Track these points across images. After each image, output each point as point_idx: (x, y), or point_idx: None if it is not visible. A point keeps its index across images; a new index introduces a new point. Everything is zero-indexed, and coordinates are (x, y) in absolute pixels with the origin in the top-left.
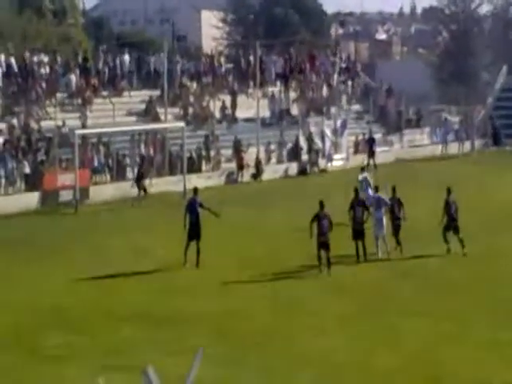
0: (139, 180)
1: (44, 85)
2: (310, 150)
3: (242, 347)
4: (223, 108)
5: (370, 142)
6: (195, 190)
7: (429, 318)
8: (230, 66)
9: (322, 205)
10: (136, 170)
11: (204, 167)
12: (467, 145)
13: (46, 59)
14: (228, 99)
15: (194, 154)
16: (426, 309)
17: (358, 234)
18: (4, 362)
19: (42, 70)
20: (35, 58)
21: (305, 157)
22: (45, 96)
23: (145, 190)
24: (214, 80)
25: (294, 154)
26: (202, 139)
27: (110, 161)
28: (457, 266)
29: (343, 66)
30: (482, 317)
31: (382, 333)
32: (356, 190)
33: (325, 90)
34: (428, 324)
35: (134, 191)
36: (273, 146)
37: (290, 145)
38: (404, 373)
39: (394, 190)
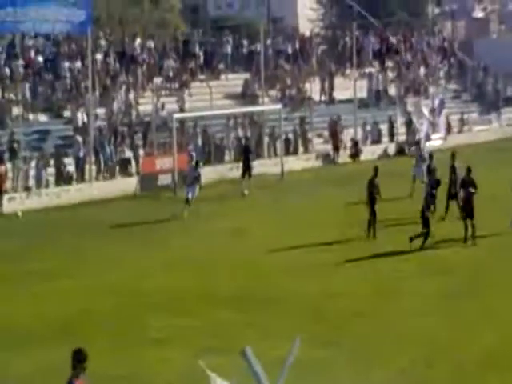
0: (247, 164)
1: (142, 69)
2: (408, 131)
3: (340, 328)
4: (320, 89)
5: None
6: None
7: None
8: (326, 47)
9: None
10: (243, 154)
11: (301, 149)
12: None
13: (144, 44)
14: (325, 81)
15: (291, 136)
16: None
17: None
18: (106, 345)
19: (140, 55)
20: (136, 43)
21: (403, 137)
22: (143, 81)
23: (250, 174)
24: (310, 61)
25: (392, 134)
26: (299, 121)
27: (208, 144)
28: None
29: (440, 45)
30: None
31: (481, 311)
32: (469, 169)
33: (422, 70)
34: None
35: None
36: (369, 127)
37: (387, 125)
38: (504, 350)
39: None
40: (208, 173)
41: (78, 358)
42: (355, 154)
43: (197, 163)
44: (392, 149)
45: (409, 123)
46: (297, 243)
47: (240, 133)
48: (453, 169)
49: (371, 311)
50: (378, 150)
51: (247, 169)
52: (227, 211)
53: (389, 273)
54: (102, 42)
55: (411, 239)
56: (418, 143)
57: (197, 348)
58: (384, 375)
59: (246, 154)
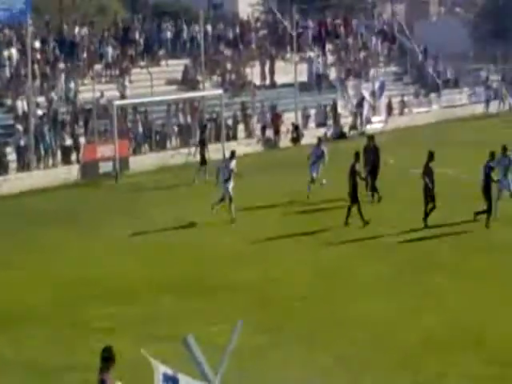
0: (202, 149)
1: (82, 56)
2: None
3: (283, 314)
4: (261, 74)
5: None
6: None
7: (473, 280)
8: (267, 31)
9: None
10: (198, 138)
11: (241, 134)
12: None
13: (83, 31)
14: (265, 65)
15: (231, 121)
16: (469, 270)
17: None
18: (50, 335)
19: (80, 42)
20: (76, 30)
21: (343, 120)
22: (83, 68)
23: (205, 161)
24: (250, 46)
25: (333, 117)
26: (240, 106)
27: (150, 131)
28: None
29: (380, 28)
30: None
31: (424, 294)
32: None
33: (362, 53)
34: (472, 285)
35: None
36: (311, 111)
37: (328, 109)
38: (446, 333)
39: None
40: (150, 160)
41: (104, 357)
42: (296, 138)
43: None
44: (333, 132)
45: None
46: (241, 230)
47: (181, 119)
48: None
49: (314, 296)
50: (319, 133)
51: (203, 156)
52: (171, 199)
53: (332, 258)
54: (41, 30)
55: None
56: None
57: (141, 336)
58: (326, 359)
59: (202, 141)
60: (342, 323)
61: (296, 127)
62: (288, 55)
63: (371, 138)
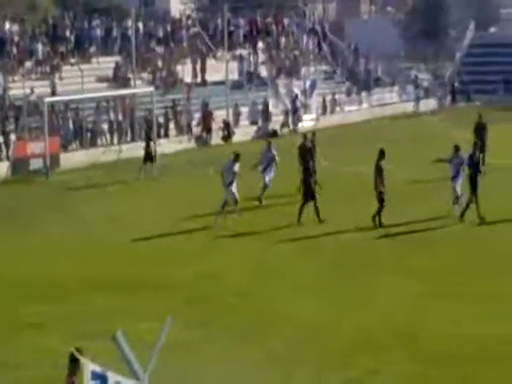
0: (148, 145)
1: (13, 53)
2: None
3: (216, 310)
4: (192, 72)
5: None
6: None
7: (408, 278)
8: (198, 29)
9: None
10: (144, 135)
11: (173, 132)
12: (437, 102)
13: (13, 28)
14: (197, 63)
15: (163, 119)
16: (403, 268)
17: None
18: None
19: (10, 39)
20: (6, 26)
21: (274, 118)
22: (14, 65)
23: (151, 157)
24: (182, 44)
25: (264, 115)
26: (171, 103)
27: (80, 128)
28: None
29: (311, 26)
30: (461, 274)
31: (358, 292)
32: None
33: (293, 52)
34: (407, 283)
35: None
36: (242, 109)
37: (260, 106)
38: (378, 330)
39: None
40: (81, 157)
41: (72, 359)
42: (227, 135)
43: None
44: (264, 130)
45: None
46: (173, 227)
47: (112, 116)
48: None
49: (250, 292)
50: (251, 131)
51: (148, 153)
52: (102, 196)
53: (267, 254)
54: None
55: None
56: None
57: (72, 333)
58: (258, 355)
59: (147, 137)
60: (276, 319)
61: (227, 125)
62: (219, 53)
63: (305, 136)
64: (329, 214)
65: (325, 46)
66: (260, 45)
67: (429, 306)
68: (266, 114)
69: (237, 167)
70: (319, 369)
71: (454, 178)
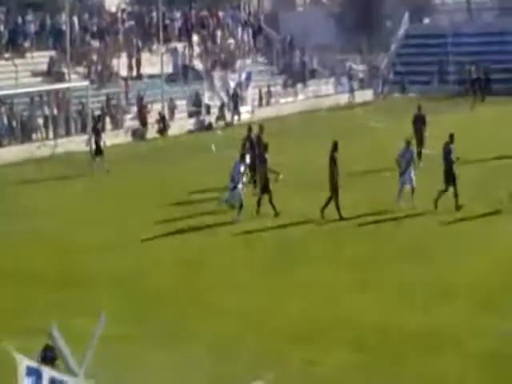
0: (97, 138)
1: None
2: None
3: (150, 304)
4: (128, 65)
5: None
6: None
7: (333, 267)
8: (133, 23)
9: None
10: (92, 129)
11: (109, 125)
12: (373, 93)
13: None
14: (132, 56)
15: (98, 113)
16: (332, 257)
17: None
18: None
19: None
20: None
21: (210, 111)
22: None
23: (100, 150)
24: (117, 38)
25: (200, 108)
26: (106, 97)
27: (15, 123)
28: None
29: (246, 19)
30: (394, 263)
31: (293, 284)
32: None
33: (229, 44)
34: (332, 272)
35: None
36: (177, 102)
37: (194, 99)
38: (310, 325)
39: None
40: (15, 151)
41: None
42: (163, 129)
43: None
44: (199, 123)
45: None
46: (109, 220)
47: (47, 111)
48: (259, 139)
49: (182, 286)
50: (186, 124)
51: (98, 146)
52: (36, 190)
53: (200, 247)
54: None
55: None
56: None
57: (5, 329)
58: (189, 350)
59: (96, 130)
60: (211, 313)
61: (163, 118)
62: (155, 46)
63: (250, 129)
64: (268, 207)
65: (260, 39)
66: (195, 38)
67: (363, 295)
68: (201, 107)
69: (243, 168)
70: (256, 361)
71: (405, 171)
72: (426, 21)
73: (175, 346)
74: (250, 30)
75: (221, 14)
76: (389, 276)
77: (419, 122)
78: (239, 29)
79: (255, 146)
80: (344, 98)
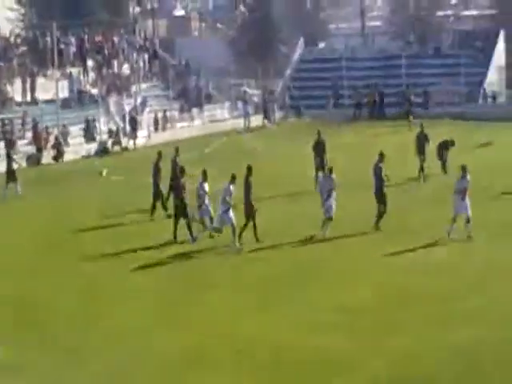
0: (9, 163)
1: None
2: (113, 129)
3: (48, 332)
4: (22, 90)
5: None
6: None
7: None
8: (27, 47)
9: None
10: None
11: (3, 151)
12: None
13: None
14: (27, 82)
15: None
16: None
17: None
18: None
19: None
20: None
21: (105, 136)
22: None
23: (14, 176)
24: (11, 63)
25: (95, 133)
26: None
27: None
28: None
29: (142, 44)
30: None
31: (191, 308)
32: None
33: (124, 69)
34: (239, 296)
35: None
36: (73, 127)
37: (90, 125)
38: (214, 345)
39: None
40: None
41: None
42: (58, 154)
43: None
44: (95, 148)
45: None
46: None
47: None
48: (175, 163)
49: (78, 312)
50: (82, 149)
51: (10, 171)
52: None
53: (99, 271)
54: None
55: None
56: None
57: None
58: (82, 378)
59: (8, 157)
60: (104, 341)
61: (58, 144)
62: (49, 72)
63: (160, 154)
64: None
65: (156, 63)
66: (90, 63)
67: (262, 317)
68: (97, 133)
69: (232, 188)
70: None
71: (328, 198)
72: (321, 45)
73: (69, 375)
74: (146, 55)
75: (116, 38)
76: (289, 297)
77: (320, 147)
78: (134, 54)
79: (171, 169)
80: (240, 123)
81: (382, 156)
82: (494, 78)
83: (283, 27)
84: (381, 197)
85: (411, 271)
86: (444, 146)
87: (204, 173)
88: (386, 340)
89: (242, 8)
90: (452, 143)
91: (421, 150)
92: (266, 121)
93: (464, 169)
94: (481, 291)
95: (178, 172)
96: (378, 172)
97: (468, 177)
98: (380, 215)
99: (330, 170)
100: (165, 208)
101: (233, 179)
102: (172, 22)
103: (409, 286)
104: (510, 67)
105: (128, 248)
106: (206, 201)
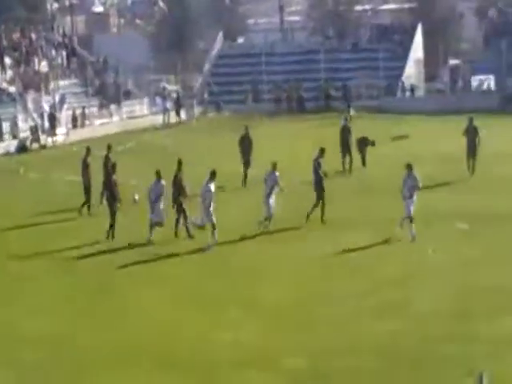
0: None
1: None
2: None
3: None
4: None
5: None
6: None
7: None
8: None
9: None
10: None
11: None
12: (186, 113)
13: None
14: None
15: None
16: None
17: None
18: None
19: None
20: None
21: (24, 134)
22: None
23: None
24: None
25: (13, 131)
26: None
27: None
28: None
29: (60, 41)
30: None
31: (111, 308)
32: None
33: (42, 66)
34: (157, 294)
35: None
36: None
37: (8, 123)
38: (134, 345)
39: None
40: None
41: None
42: None
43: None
44: (14, 146)
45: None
46: None
47: None
48: (107, 159)
49: None
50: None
51: None
52: None
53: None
54: None
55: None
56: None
57: None
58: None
59: None
60: (21, 344)
61: None
62: None
63: (88, 149)
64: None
65: (74, 60)
66: (7, 60)
67: (181, 315)
68: (15, 130)
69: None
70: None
71: (269, 194)
72: (240, 40)
73: None
74: (64, 52)
75: (34, 35)
76: (209, 294)
77: (246, 143)
78: (53, 51)
79: (102, 165)
80: (158, 119)
81: (322, 151)
82: (412, 71)
83: (202, 22)
84: (320, 191)
85: (332, 267)
86: (363, 141)
87: (212, 173)
88: (304, 336)
89: (160, 3)
90: (372, 143)
91: (345, 144)
92: (177, 117)
93: (409, 167)
94: (399, 287)
95: (109, 168)
96: (316, 167)
97: (414, 174)
98: (320, 208)
99: (274, 166)
100: (88, 205)
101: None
102: (90, 18)
103: (329, 282)
104: (428, 60)
105: (52, 247)
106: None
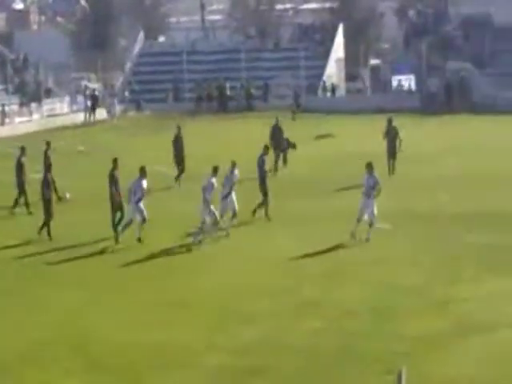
0: None
1: None
2: None
3: None
4: None
5: None
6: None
7: (76, 289)
8: None
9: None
10: None
11: None
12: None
13: None
14: None
15: None
16: (72, 279)
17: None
18: None
19: None
20: None
21: None
22: None
23: None
24: None
25: None
26: None
27: None
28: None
29: None
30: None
31: (31, 306)
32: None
33: None
34: (75, 294)
35: None
36: None
37: None
38: (50, 343)
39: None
40: None
41: None
42: None
43: None
44: None
45: None
46: None
47: None
48: (46, 157)
49: None
50: None
51: None
52: None
53: None
54: None
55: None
56: None
57: None
58: None
59: None
60: None
61: None
62: None
63: (23, 149)
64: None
65: None
66: None
67: (99, 315)
68: None
69: (145, 183)
70: None
71: (228, 194)
72: (162, 39)
73: None
74: None
75: None
76: (130, 294)
77: (177, 142)
78: None
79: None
80: (79, 117)
81: (266, 148)
82: (333, 71)
83: (123, 21)
84: (264, 187)
85: (261, 263)
86: (285, 142)
87: (215, 169)
88: (227, 333)
89: (82, 1)
90: (294, 146)
91: (276, 143)
92: (92, 115)
93: (370, 166)
94: (318, 286)
95: (46, 166)
96: (261, 163)
97: (375, 174)
98: (265, 204)
99: (233, 165)
100: (24, 204)
101: (143, 173)
102: (11, 15)
103: (255, 280)
104: (349, 60)
105: None
106: (208, 196)
